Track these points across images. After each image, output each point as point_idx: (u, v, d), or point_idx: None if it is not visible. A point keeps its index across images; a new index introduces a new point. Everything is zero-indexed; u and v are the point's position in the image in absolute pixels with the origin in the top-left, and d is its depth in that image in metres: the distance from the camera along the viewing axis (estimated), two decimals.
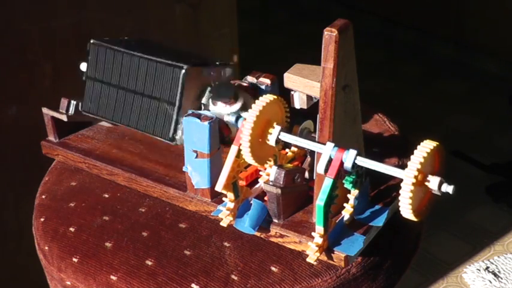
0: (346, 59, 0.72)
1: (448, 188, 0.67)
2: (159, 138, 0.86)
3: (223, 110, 0.83)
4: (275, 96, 0.75)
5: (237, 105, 0.83)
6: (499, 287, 1.54)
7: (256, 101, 0.74)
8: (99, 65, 0.88)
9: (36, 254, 0.86)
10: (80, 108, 0.91)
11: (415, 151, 0.67)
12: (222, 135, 0.81)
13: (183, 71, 0.83)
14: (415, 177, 0.66)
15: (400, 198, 0.67)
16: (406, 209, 0.67)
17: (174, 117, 0.84)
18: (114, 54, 0.88)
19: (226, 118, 0.79)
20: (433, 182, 0.67)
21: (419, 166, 0.66)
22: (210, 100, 0.84)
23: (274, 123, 0.75)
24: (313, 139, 0.76)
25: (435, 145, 0.68)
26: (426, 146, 0.68)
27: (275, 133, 0.74)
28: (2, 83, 1.21)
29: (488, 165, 1.88)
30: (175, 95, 0.83)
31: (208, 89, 0.85)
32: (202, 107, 0.85)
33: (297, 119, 0.80)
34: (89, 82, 0.89)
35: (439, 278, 1.59)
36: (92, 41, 0.89)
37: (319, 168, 0.71)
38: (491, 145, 1.97)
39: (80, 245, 0.81)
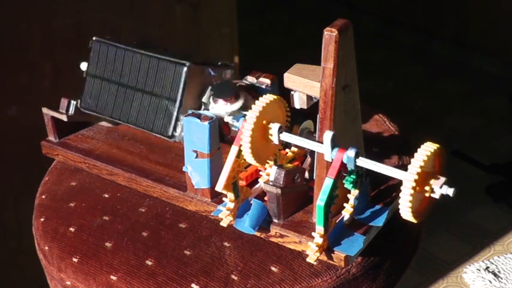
0: (346, 59, 0.72)
1: (448, 191, 0.67)
2: (158, 135, 0.85)
3: (224, 108, 0.83)
4: (275, 96, 0.75)
5: (238, 104, 0.83)
6: (499, 287, 1.54)
7: (257, 101, 0.74)
8: (100, 62, 0.88)
9: (36, 254, 0.86)
10: (78, 105, 0.91)
11: (416, 153, 0.67)
12: (222, 134, 0.81)
13: (185, 68, 0.83)
14: (416, 180, 0.66)
15: (400, 200, 0.67)
16: (406, 212, 0.67)
17: (175, 114, 0.84)
18: (116, 51, 0.88)
19: (226, 119, 0.79)
20: (433, 184, 0.67)
21: (419, 169, 0.66)
22: (211, 98, 0.84)
23: (275, 122, 0.75)
24: (313, 139, 0.76)
25: (436, 147, 0.68)
26: (427, 149, 0.67)
27: (275, 131, 0.74)
28: (2, 83, 1.21)
29: (488, 165, 1.88)
30: (176, 92, 0.83)
31: (209, 88, 0.85)
32: (203, 106, 0.85)
33: (297, 119, 0.80)
34: (89, 79, 0.89)
35: (439, 278, 1.59)
36: (94, 38, 0.89)
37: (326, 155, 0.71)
38: (491, 145, 1.97)
39: (80, 245, 0.81)
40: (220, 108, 0.83)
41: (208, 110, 0.84)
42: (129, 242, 0.80)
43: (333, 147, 0.71)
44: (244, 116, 0.75)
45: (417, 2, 2.43)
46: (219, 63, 0.88)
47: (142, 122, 0.86)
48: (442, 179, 0.67)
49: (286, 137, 0.74)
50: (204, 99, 0.85)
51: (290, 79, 0.80)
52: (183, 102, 0.83)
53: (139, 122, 0.86)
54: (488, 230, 1.71)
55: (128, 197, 0.86)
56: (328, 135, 0.71)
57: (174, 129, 0.84)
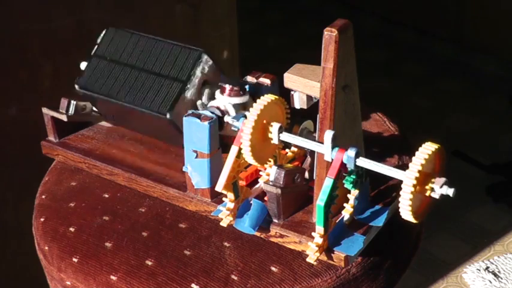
0: (346, 59, 0.72)
1: (448, 191, 0.67)
2: (153, 113, 0.84)
3: (228, 99, 0.83)
4: (275, 97, 0.75)
5: (243, 98, 0.83)
6: (499, 287, 1.54)
7: (258, 100, 0.74)
8: (112, 45, 0.89)
9: (36, 254, 0.86)
10: (75, 83, 0.90)
11: (416, 153, 0.67)
12: (221, 124, 0.80)
13: (199, 52, 0.85)
14: (416, 179, 0.66)
15: (400, 200, 0.67)
16: (406, 212, 0.67)
17: (177, 92, 0.83)
18: (131, 35, 0.89)
19: (226, 119, 0.78)
20: (433, 185, 0.67)
21: (420, 168, 0.66)
22: (219, 89, 0.84)
23: (275, 122, 0.75)
24: (313, 139, 0.76)
25: (436, 147, 0.68)
26: (427, 148, 0.67)
27: (275, 132, 0.74)
28: (2, 83, 1.21)
29: (488, 165, 1.88)
30: (185, 73, 0.84)
31: (207, 89, 0.85)
32: (200, 108, 0.85)
33: (297, 119, 0.80)
34: (94, 60, 0.89)
35: (439, 278, 1.59)
36: (110, 28, 0.90)
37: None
38: (491, 145, 1.97)
39: (80, 245, 0.81)
40: (224, 99, 0.83)
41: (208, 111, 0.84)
42: (129, 242, 0.80)
43: (333, 147, 0.71)
44: (245, 116, 0.75)
45: (417, 2, 2.43)
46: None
47: (140, 100, 0.85)
48: (442, 179, 0.67)
49: (286, 137, 0.74)
50: (203, 100, 0.85)
51: (290, 79, 0.80)
52: (188, 85, 0.83)
53: (136, 100, 0.85)
54: (488, 230, 1.71)
55: (128, 197, 0.86)
56: (328, 134, 0.71)
57: (172, 107, 0.83)
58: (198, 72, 0.84)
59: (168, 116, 0.83)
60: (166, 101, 0.84)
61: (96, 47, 0.90)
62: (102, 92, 0.87)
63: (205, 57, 0.85)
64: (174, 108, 0.83)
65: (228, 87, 0.83)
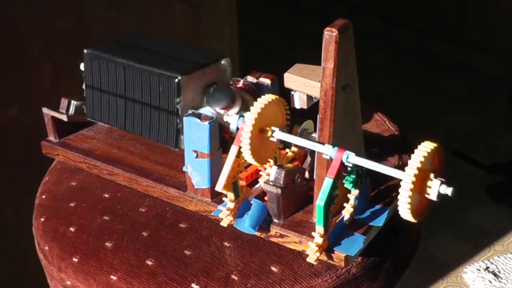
0: (346, 59, 0.72)
1: (447, 190, 0.67)
2: (164, 145, 0.86)
3: (221, 115, 0.83)
4: (275, 97, 0.75)
5: (235, 109, 0.83)
6: (499, 287, 1.54)
7: (258, 99, 0.74)
8: (94, 74, 0.88)
9: (36, 254, 0.86)
10: (85, 113, 0.91)
11: (414, 152, 0.67)
12: (222, 139, 0.80)
13: (177, 80, 0.81)
14: (414, 178, 0.66)
15: (398, 199, 0.67)
16: (405, 211, 0.67)
17: (176, 126, 0.83)
18: (107, 64, 0.86)
19: (226, 118, 0.78)
20: (432, 183, 0.67)
21: (417, 168, 0.66)
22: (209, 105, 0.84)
23: (274, 122, 0.75)
24: (313, 139, 0.76)
25: (434, 146, 0.68)
26: (425, 147, 0.67)
27: (275, 134, 0.74)
28: (2, 83, 1.21)
29: (488, 165, 1.88)
30: (174, 105, 0.83)
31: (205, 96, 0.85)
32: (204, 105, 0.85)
33: (297, 119, 0.80)
34: (88, 90, 0.89)
35: (439, 278, 1.60)
36: (85, 51, 0.88)
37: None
38: (491, 145, 1.97)
39: (80, 245, 0.81)
40: (219, 114, 0.83)
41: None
42: (129, 242, 0.80)
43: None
44: (243, 116, 0.75)
45: (417, 2, 2.43)
46: (215, 58, 0.86)
47: (148, 132, 0.86)
48: (441, 179, 0.67)
49: (286, 137, 0.74)
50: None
51: (290, 79, 0.80)
52: (183, 110, 0.82)
53: (144, 132, 0.86)
54: (488, 230, 1.71)
55: (128, 197, 0.86)
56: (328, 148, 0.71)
57: (178, 139, 0.84)
58: (185, 96, 0.82)
59: (177, 149, 0.84)
60: (169, 135, 0.84)
61: (83, 76, 0.89)
62: (111, 122, 0.89)
63: (184, 80, 0.81)
64: (179, 141, 0.84)
65: (217, 109, 0.82)
